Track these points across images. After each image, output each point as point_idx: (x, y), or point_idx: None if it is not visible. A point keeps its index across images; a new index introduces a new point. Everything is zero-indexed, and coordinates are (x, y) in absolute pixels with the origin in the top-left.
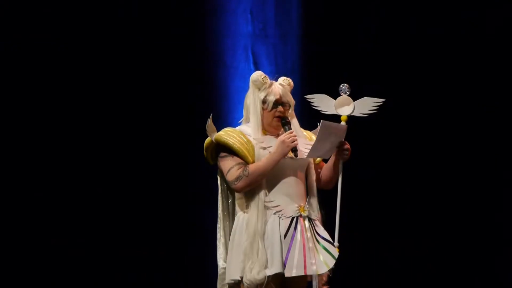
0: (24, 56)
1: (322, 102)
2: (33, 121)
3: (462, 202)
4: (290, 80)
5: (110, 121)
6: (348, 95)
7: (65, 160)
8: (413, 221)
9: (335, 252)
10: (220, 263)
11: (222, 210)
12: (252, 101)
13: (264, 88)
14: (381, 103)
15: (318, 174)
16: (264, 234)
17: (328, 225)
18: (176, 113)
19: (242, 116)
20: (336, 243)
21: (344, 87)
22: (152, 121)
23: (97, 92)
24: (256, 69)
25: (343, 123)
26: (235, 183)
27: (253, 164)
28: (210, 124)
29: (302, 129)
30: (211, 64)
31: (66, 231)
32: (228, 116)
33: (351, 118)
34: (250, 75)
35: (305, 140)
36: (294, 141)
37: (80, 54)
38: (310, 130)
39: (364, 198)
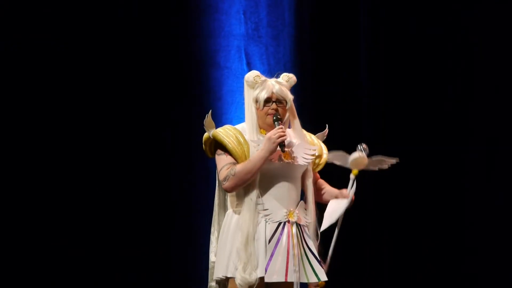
0: (24, 56)
1: (337, 158)
2: (33, 121)
3: (462, 202)
4: (290, 76)
5: (108, 121)
6: (365, 154)
7: (64, 160)
8: (412, 221)
9: (322, 274)
10: (212, 257)
11: (218, 204)
12: (246, 101)
13: (257, 87)
14: (394, 162)
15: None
16: (255, 236)
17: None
18: (170, 114)
19: (235, 117)
20: (324, 277)
21: (362, 147)
22: (146, 121)
23: (96, 91)
24: (249, 69)
25: (352, 176)
26: (224, 183)
27: (241, 163)
28: (209, 119)
29: (304, 131)
30: (204, 64)
31: (66, 231)
32: (222, 116)
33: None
34: (243, 76)
35: (306, 144)
36: (280, 137)
37: (80, 54)
38: (314, 133)
39: (363, 198)
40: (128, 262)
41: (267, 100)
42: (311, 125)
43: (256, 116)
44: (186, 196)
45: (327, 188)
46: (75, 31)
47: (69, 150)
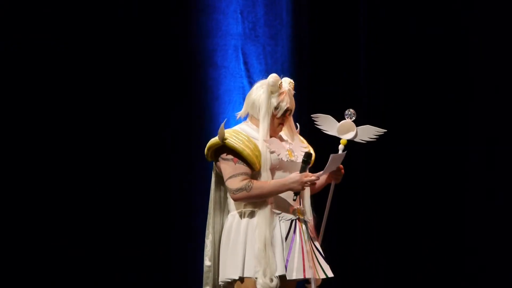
0: (24, 56)
1: (325, 122)
2: (33, 121)
3: (462, 202)
4: (293, 83)
5: (108, 121)
6: (353, 121)
7: (64, 160)
8: (412, 221)
9: (328, 270)
10: (206, 261)
11: (213, 208)
12: (264, 104)
13: (279, 94)
14: (382, 133)
15: None
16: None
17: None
18: (170, 114)
19: (232, 116)
20: (330, 273)
21: (350, 112)
22: (146, 121)
23: (96, 91)
24: (247, 69)
25: (341, 146)
26: (235, 193)
27: (259, 183)
28: (222, 129)
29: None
30: (202, 64)
31: (66, 231)
32: (219, 116)
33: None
34: (241, 75)
35: (300, 142)
36: (307, 186)
37: (80, 54)
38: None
39: (364, 197)
40: (128, 262)
41: (287, 110)
42: (311, 126)
43: (272, 121)
44: (186, 196)
45: None
46: (75, 31)
47: (69, 150)
